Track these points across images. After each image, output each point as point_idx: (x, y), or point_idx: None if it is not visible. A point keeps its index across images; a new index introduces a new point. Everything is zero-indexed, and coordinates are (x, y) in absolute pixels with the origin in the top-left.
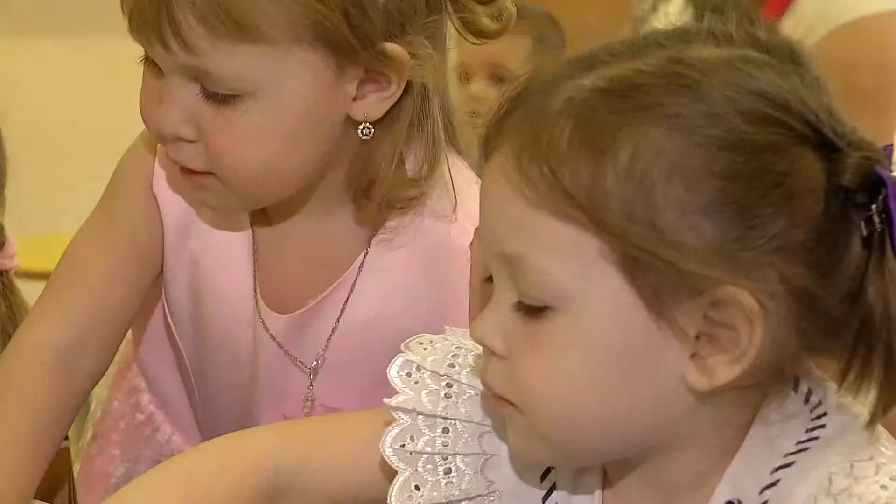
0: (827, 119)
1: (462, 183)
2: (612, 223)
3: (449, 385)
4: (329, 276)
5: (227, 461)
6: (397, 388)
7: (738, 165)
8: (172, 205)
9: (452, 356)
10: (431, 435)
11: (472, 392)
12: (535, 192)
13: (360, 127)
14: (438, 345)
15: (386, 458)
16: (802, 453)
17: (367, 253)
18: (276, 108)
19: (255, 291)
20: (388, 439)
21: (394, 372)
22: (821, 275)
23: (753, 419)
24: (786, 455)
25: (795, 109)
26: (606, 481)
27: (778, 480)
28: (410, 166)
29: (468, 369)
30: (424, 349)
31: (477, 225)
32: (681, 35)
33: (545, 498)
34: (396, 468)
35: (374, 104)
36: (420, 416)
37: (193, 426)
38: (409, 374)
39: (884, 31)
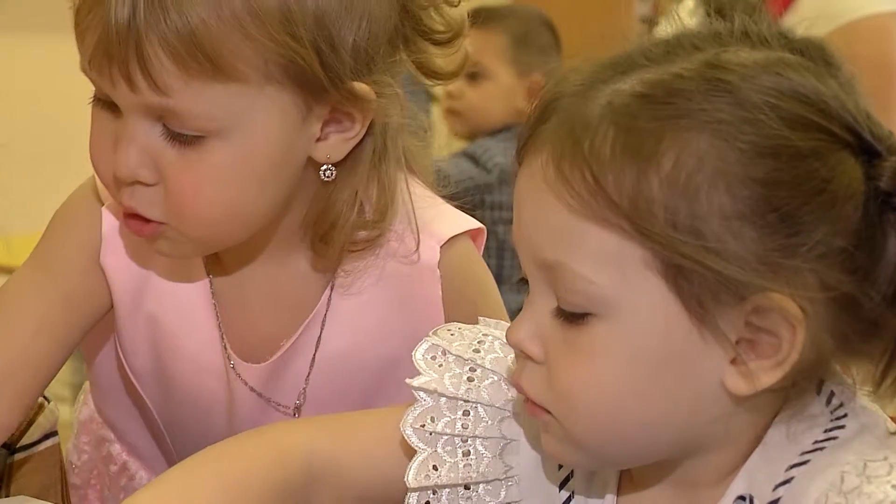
0: (865, 122)
1: (423, 205)
2: (656, 231)
3: (472, 369)
4: (297, 316)
5: (260, 452)
6: (421, 370)
7: (780, 172)
8: (122, 273)
9: (478, 342)
10: (452, 417)
11: (495, 377)
12: (577, 199)
13: (323, 168)
14: (466, 331)
15: (406, 438)
16: (818, 452)
17: (331, 292)
18: (243, 150)
19: (224, 344)
20: (409, 419)
21: (419, 355)
22: (860, 279)
23: (774, 418)
24: (802, 454)
25: (835, 113)
26: (621, 481)
27: (792, 478)
28: (368, 206)
29: (493, 355)
30: (451, 335)
31: (441, 243)
32: (714, 36)
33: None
34: (416, 447)
35: (336, 145)
36: (442, 398)
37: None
38: (433, 358)
39: (884, 30)
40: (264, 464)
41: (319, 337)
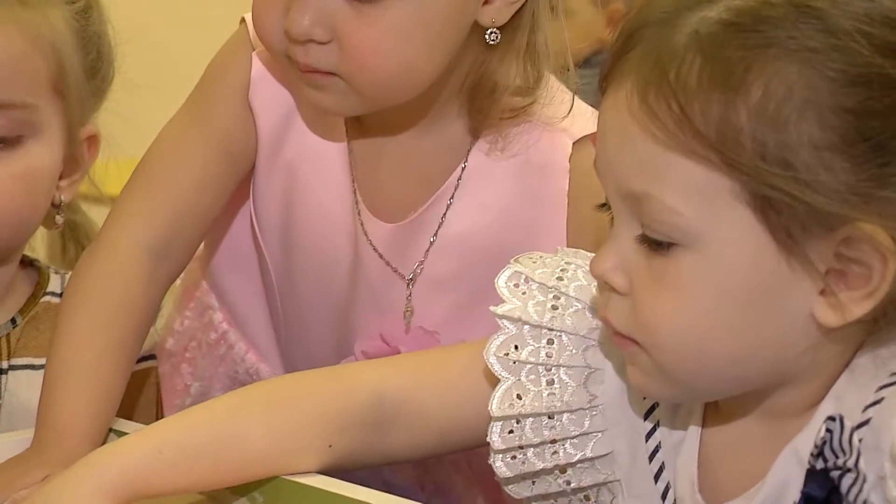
0: None
1: (563, 96)
2: (744, 162)
3: (556, 297)
4: (428, 188)
5: (329, 385)
6: (504, 298)
7: (872, 101)
8: (268, 115)
9: (561, 270)
10: (536, 345)
11: (579, 305)
12: (663, 130)
13: (488, 32)
14: (549, 259)
15: (489, 366)
16: None
17: (465, 166)
18: (420, 7)
19: (357, 200)
20: (493, 347)
21: (501, 282)
22: None
23: (864, 343)
24: (892, 374)
25: None
26: (707, 412)
27: (882, 399)
28: (523, 73)
29: (577, 283)
30: (534, 262)
31: (575, 140)
32: None
33: (648, 435)
34: (500, 376)
35: (501, 9)
36: (525, 326)
37: (269, 343)
38: (516, 285)
39: None
40: (327, 398)
41: (444, 214)
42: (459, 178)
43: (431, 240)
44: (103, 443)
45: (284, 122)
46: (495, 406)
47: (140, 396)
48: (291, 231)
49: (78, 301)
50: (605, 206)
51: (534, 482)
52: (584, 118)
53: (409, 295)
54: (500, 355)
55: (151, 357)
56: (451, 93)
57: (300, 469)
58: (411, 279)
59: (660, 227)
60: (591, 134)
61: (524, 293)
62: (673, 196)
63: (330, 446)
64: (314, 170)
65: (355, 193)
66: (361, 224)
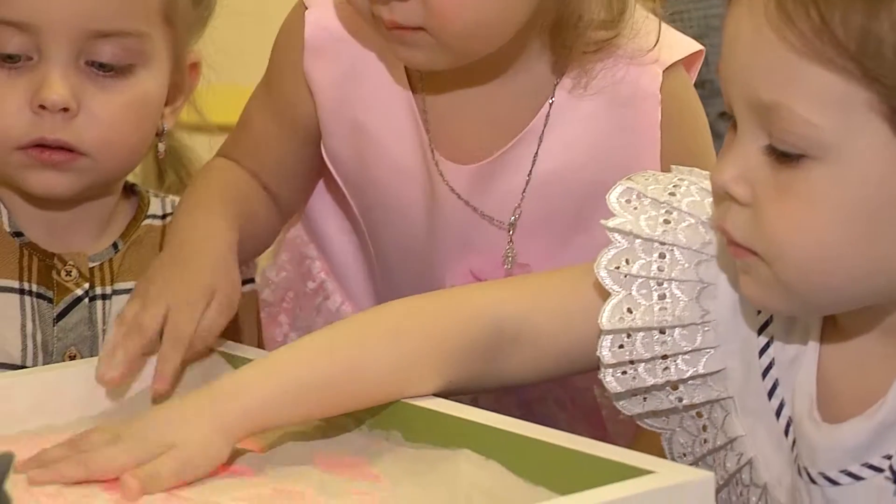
0: None
1: (649, 25)
2: (884, 74)
3: (668, 212)
4: (510, 129)
5: (444, 312)
6: (615, 213)
7: None
8: (326, 77)
9: (674, 186)
10: (647, 259)
11: (692, 220)
12: (799, 38)
13: None
14: (661, 177)
15: (600, 280)
16: None
17: (552, 103)
18: None
19: (431, 147)
20: (604, 261)
21: (613, 198)
22: None
23: None
24: None
25: None
26: (825, 328)
27: None
28: (606, 7)
29: (690, 199)
30: (646, 179)
31: (665, 68)
32: None
33: (762, 351)
34: (610, 290)
35: None
36: (637, 240)
37: (366, 293)
38: (628, 201)
39: None
40: (449, 325)
41: (536, 153)
42: (547, 117)
43: (527, 179)
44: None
45: (346, 80)
46: (605, 319)
47: (244, 320)
48: (369, 185)
49: (208, 172)
50: (725, 114)
51: (645, 398)
52: (673, 45)
53: (511, 241)
54: (611, 269)
55: (250, 281)
56: (535, 33)
57: (419, 394)
58: (512, 223)
59: (790, 139)
60: (683, 59)
61: (636, 208)
62: (806, 106)
63: (450, 379)
64: (382, 124)
65: (429, 142)
66: (438, 168)
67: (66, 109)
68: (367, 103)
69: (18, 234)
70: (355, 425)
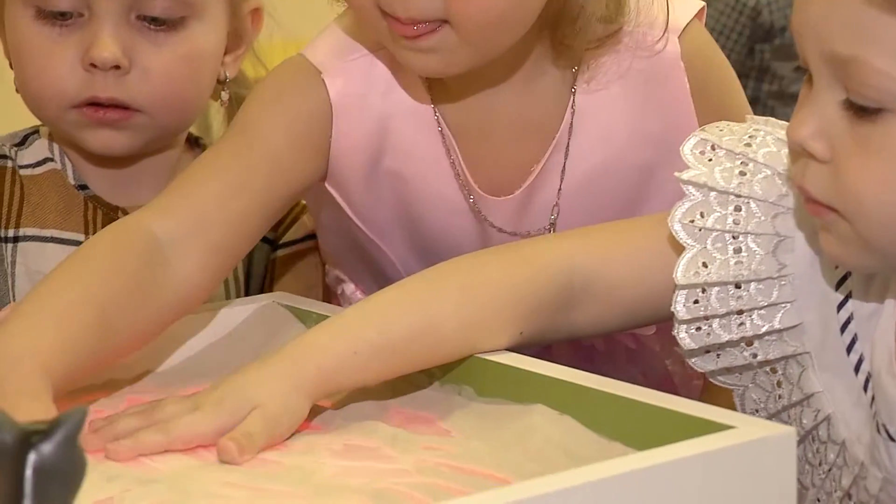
0: None
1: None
2: None
3: (744, 163)
4: (541, 141)
5: (514, 267)
6: (689, 165)
7: None
8: (357, 137)
9: (750, 137)
10: (723, 212)
11: (768, 172)
12: None
13: None
14: (736, 127)
15: (674, 234)
16: None
17: (573, 104)
18: None
19: (468, 183)
20: (678, 214)
21: (687, 150)
22: None
23: None
24: None
25: None
26: None
27: None
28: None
29: (766, 150)
30: (721, 130)
31: (680, 34)
32: None
33: (840, 306)
34: (684, 244)
35: None
36: (712, 193)
37: None
38: (702, 153)
39: None
40: (519, 279)
41: (566, 154)
42: (571, 119)
43: (559, 184)
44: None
45: (378, 134)
46: (680, 274)
47: (308, 275)
48: (414, 226)
49: (70, 259)
50: (799, 69)
51: (718, 355)
52: (677, 5)
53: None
54: (686, 222)
55: (309, 237)
56: (536, 31)
57: (489, 349)
58: (552, 223)
59: (868, 92)
60: (698, 12)
61: (710, 160)
62: (885, 60)
63: (521, 332)
64: (419, 168)
65: (465, 179)
66: (477, 208)
67: (117, 67)
68: (400, 152)
69: (83, 188)
70: (427, 381)
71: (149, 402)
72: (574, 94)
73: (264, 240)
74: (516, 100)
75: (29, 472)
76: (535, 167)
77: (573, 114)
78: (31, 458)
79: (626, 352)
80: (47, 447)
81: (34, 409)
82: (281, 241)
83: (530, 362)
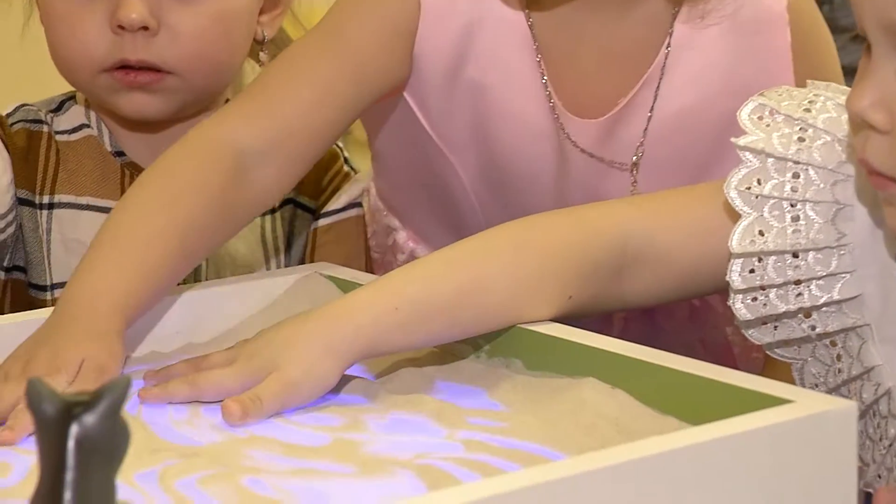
0: None
1: None
2: None
3: (803, 129)
4: (632, 73)
5: (570, 230)
6: (746, 130)
7: None
8: (441, 41)
9: (809, 102)
10: (780, 179)
11: (828, 138)
12: None
13: None
14: (795, 92)
15: (730, 201)
16: None
17: (670, 41)
18: None
19: (553, 102)
20: (734, 181)
21: (744, 115)
22: None
23: None
24: None
25: None
26: None
27: None
28: None
29: (826, 115)
30: (779, 95)
31: None
32: None
33: None
34: (741, 211)
35: None
36: (769, 159)
37: None
38: (760, 118)
39: None
40: (572, 241)
41: (657, 91)
42: (666, 56)
43: (647, 122)
44: (133, 320)
45: (462, 41)
46: (735, 242)
47: (351, 245)
48: (489, 144)
49: (151, 177)
50: (858, 37)
51: (776, 327)
52: None
53: (634, 182)
54: (742, 189)
55: (357, 205)
56: None
57: (535, 318)
58: (634, 163)
59: None
60: None
61: (768, 125)
62: None
63: (570, 297)
64: (503, 80)
65: (550, 95)
66: (561, 126)
67: (145, 28)
68: (485, 61)
69: (120, 154)
70: (473, 353)
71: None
72: (672, 30)
73: (305, 209)
74: (612, 24)
75: (71, 444)
76: (621, 100)
77: (668, 52)
78: (74, 429)
79: (689, 308)
80: (90, 418)
81: (100, 352)
82: (323, 211)
83: (581, 334)
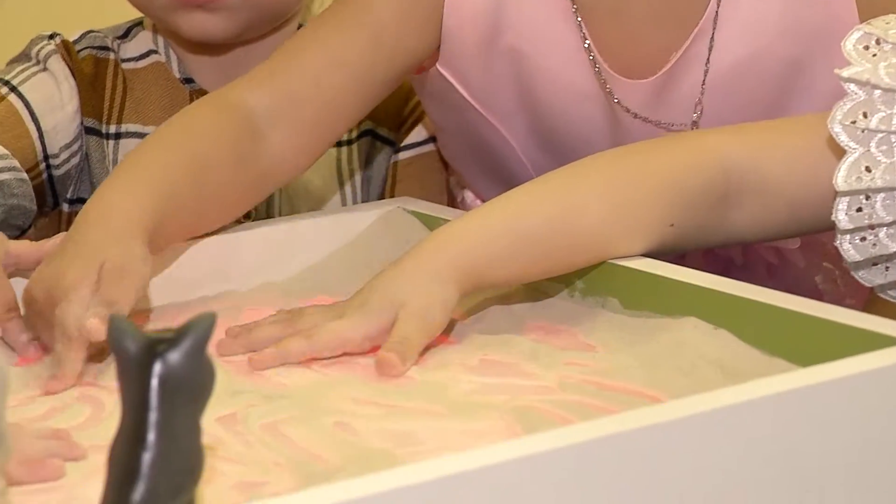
0: None
1: None
2: None
3: None
4: (681, 27)
5: (675, 154)
6: (851, 61)
7: None
8: (475, 10)
9: None
10: (888, 112)
11: None
12: None
13: None
14: None
15: (834, 136)
16: None
17: None
18: None
19: (597, 64)
20: (838, 115)
21: (849, 45)
22: None
23: None
24: None
25: None
26: None
27: None
28: None
29: None
30: (887, 24)
31: None
32: None
33: None
34: (846, 147)
35: None
36: (876, 91)
37: None
38: (866, 48)
39: None
40: (669, 167)
41: (712, 42)
42: (718, 3)
43: (704, 77)
44: (157, 247)
45: (496, 9)
46: (841, 180)
47: (428, 181)
48: (538, 109)
49: (170, 122)
50: None
51: (887, 267)
52: None
53: None
54: (847, 123)
55: (432, 139)
56: None
57: (630, 252)
58: (695, 122)
59: None
60: None
61: (875, 55)
62: None
63: (672, 225)
64: (542, 45)
65: (594, 58)
66: (609, 91)
67: None
68: (521, 27)
69: (188, 81)
70: (567, 292)
71: (289, 312)
72: None
73: (385, 141)
74: None
75: (154, 383)
76: (673, 55)
77: (720, 1)
78: (157, 367)
79: (767, 267)
80: (174, 356)
81: (120, 254)
82: (403, 144)
83: (681, 272)
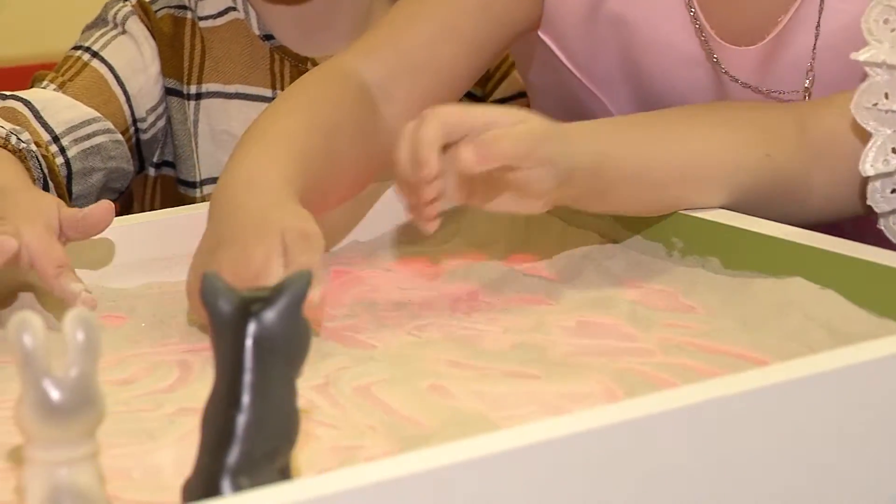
0: None
1: None
2: None
3: None
4: None
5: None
6: (868, 40)
7: None
8: None
9: None
10: None
11: None
12: None
13: None
14: None
15: (857, 119)
16: None
17: None
18: None
19: (703, 30)
20: (859, 98)
21: (869, 21)
22: None
23: None
24: None
25: None
26: None
27: None
28: None
29: None
30: None
31: None
32: None
33: None
34: (870, 130)
35: None
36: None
37: None
38: (886, 21)
39: None
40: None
41: (822, 4)
42: None
43: (815, 40)
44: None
45: None
46: (868, 164)
47: None
48: (641, 78)
49: (286, 91)
50: None
51: None
52: None
53: None
54: (869, 105)
55: (524, 93)
56: None
57: (710, 204)
58: (807, 90)
59: None
60: None
61: (894, 30)
62: None
63: (768, 154)
64: (647, 11)
65: (700, 24)
66: (716, 60)
67: None
68: None
69: (269, 37)
70: (665, 251)
71: None
72: None
73: (471, 97)
74: None
75: (249, 343)
76: (781, 17)
77: None
78: (252, 327)
79: (878, 236)
80: (269, 315)
81: (293, 218)
82: (490, 99)
83: (785, 230)
